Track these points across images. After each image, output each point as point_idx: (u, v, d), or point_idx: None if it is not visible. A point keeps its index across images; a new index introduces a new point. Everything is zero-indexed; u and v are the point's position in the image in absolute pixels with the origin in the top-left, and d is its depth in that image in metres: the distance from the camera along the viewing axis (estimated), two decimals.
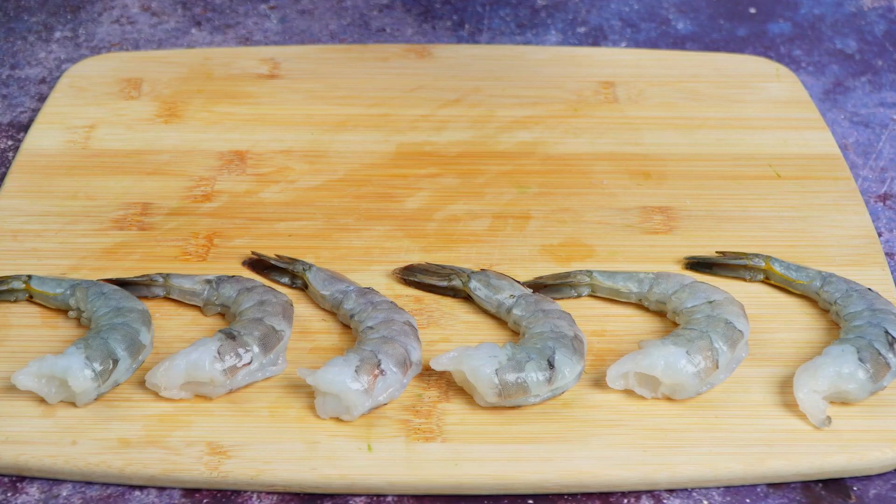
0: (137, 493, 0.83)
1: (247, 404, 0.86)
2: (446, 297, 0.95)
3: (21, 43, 1.26)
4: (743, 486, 0.84)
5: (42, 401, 0.86)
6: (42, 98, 1.18)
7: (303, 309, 0.94)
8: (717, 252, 0.98)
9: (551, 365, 0.86)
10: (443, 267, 0.96)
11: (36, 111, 1.16)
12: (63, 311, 0.93)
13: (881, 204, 1.07)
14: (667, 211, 1.03)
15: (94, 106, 1.14)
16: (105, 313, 0.90)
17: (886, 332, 0.88)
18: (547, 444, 0.84)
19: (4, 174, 1.08)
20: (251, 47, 1.24)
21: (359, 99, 1.15)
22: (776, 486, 0.84)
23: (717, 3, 1.33)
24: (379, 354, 0.86)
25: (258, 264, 0.98)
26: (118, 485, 0.83)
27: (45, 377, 0.85)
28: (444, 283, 0.95)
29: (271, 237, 1.00)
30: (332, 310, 0.94)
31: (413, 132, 1.12)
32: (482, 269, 0.96)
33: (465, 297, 0.95)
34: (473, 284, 0.94)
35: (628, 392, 0.87)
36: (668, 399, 0.87)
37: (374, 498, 0.83)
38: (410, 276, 0.96)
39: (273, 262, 0.97)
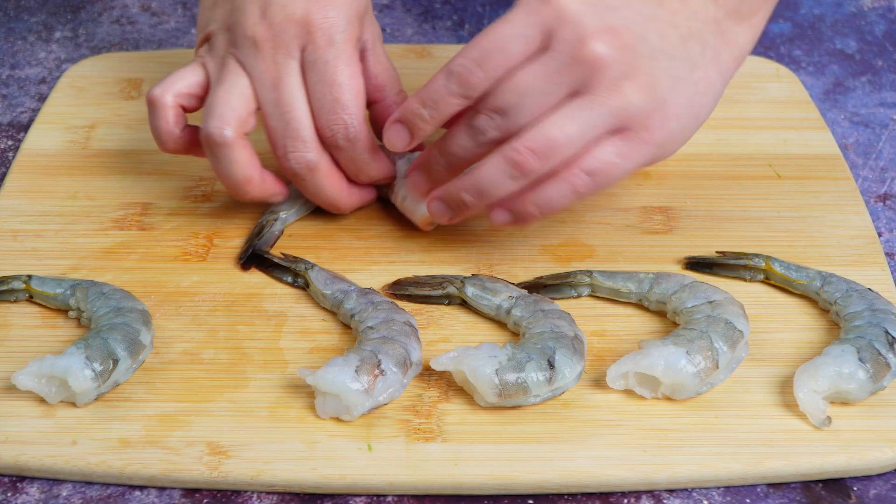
0: (137, 493, 0.83)
1: (247, 404, 0.86)
2: None
3: (21, 43, 1.26)
4: (743, 486, 0.84)
5: (42, 401, 0.86)
6: (42, 98, 1.18)
7: (303, 309, 0.94)
8: (717, 252, 0.98)
9: (551, 365, 0.86)
10: (433, 277, 0.96)
11: (36, 111, 1.16)
12: (63, 311, 0.93)
13: (881, 204, 1.07)
14: (667, 211, 1.03)
15: (94, 106, 1.14)
16: (105, 313, 0.90)
17: (886, 333, 0.88)
18: (547, 444, 0.84)
19: (4, 174, 1.08)
20: None
21: None
22: (776, 486, 0.84)
23: None
24: (379, 354, 0.86)
25: (262, 262, 0.98)
26: (118, 485, 0.83)
27: (45, 377, 0.85)
28: (439, 293, 0.95)
29: None
30: (332, 309, 0.94)
31: None
32: (473, 275, 0.95)
33: (460, 302, 0.95)
34: (470, 291, 0.93)
35: (628, 392, 0.87)
36: (668, 399, 0.87)
37: (374, 498, 0.83)
38: (401, 290, 0.96)
39: (277, 260, 0.97)
